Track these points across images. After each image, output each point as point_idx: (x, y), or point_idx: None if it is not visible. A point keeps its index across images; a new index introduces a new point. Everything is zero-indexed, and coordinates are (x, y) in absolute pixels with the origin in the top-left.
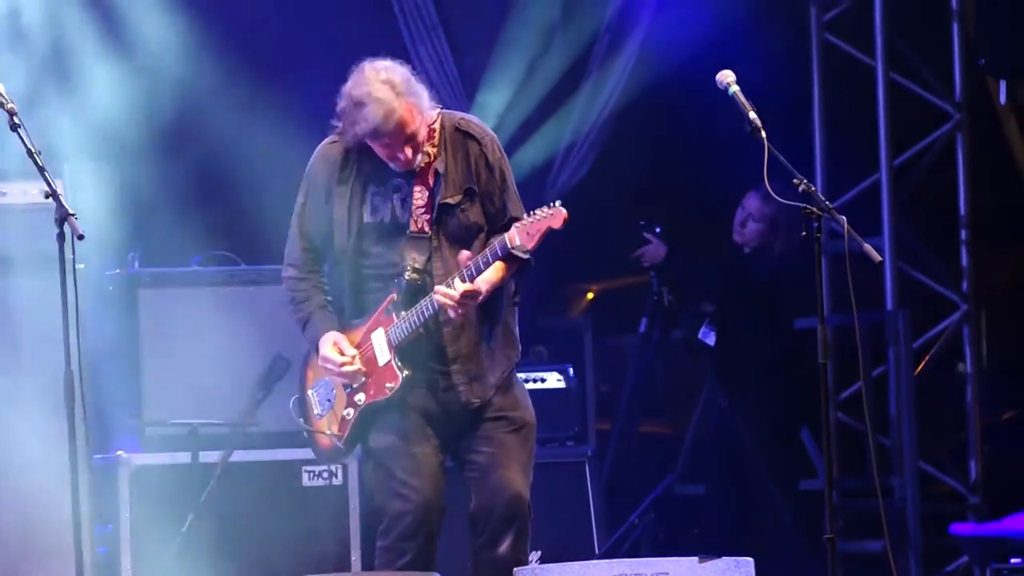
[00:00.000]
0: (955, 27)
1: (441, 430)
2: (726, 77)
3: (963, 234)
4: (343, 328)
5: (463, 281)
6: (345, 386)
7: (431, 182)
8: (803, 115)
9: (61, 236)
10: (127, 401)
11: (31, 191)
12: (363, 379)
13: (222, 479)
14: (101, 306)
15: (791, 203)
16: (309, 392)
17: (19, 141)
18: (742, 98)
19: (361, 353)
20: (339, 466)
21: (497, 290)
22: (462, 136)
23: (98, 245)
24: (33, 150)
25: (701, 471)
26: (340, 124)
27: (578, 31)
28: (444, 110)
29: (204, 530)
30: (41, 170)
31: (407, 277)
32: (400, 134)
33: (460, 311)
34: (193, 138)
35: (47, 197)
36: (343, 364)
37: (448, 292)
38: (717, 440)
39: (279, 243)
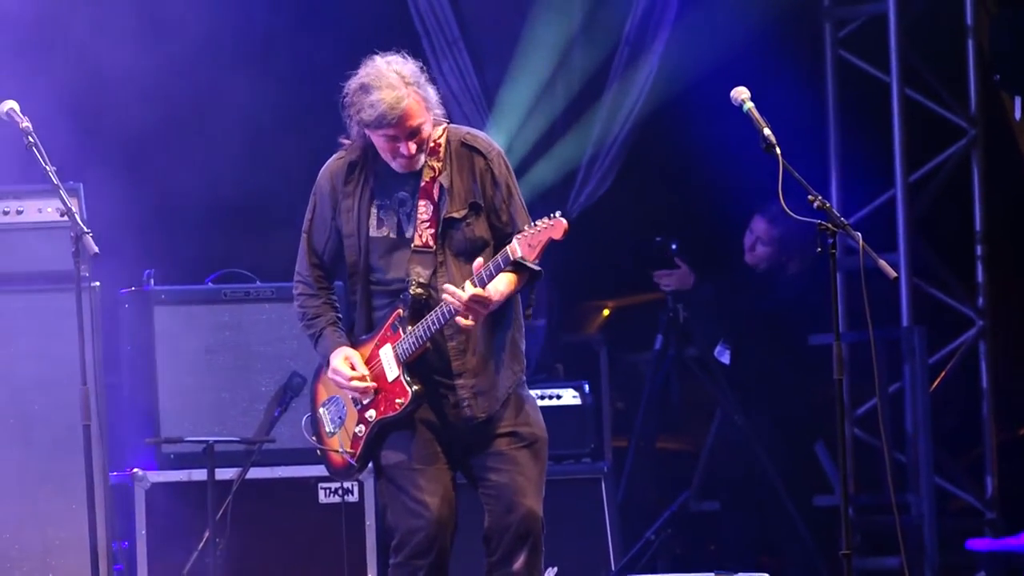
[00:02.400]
0: (970, 43)
1: (450, 446)
2: (740, 94)
3: (978, 250)
4: (353, 344)
5: (474, 285)
6: (355, 402)
7: (436, 196)
8: (818, 131)
9: (76, 254)
10: (143, 418)
11: (47, 209)
12: (373, 396)
13: (238, 496)
14: (117, 324)
15: (803, 219)
16: (320, 410)
17: (35, 159)
18: (756, 115)
19: (371, 369)
20: (355, 483)
21: (504, 305)
22: (468, 151)
23: (113, 263)
24: (48, 168)
25: (717, 487)
26: (347, 117)
27: (597, 44)
28: (451, 125)
29: (220, 547)
30: (56, 188)
31: (412, 292)
32: (405, 125)
33: (469, 315)
34: (209, 156)
35: (62, 215)
36: (352, 379)
37: (456, 292)
38: (733, 456)
39: (294, 261)
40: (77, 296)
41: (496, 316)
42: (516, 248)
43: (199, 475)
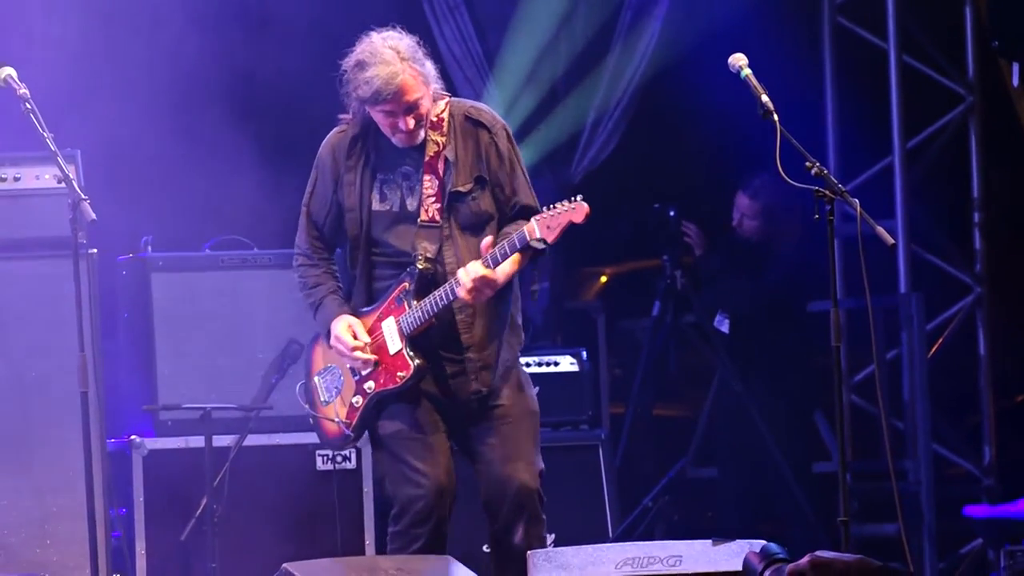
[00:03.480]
0: (967, 10)
1: (448, 417)
2: (738, 60)
3: (976, 216)
4: (354, 315)
5: (486, 266)
6: (354, 373)
7: (441, 170)
8: (816, 98)
9: (74, 220)
10: (141, 385)
11: (44, 176)
12: (373, 367)
13: (236, 463)
14: (114, 291)
15: (799, 185)
16: (316, 379)
17: (32, 126)
18: (754, 81)
19: (372, 341)
20: (352, 450)
21: (509, 282)
22: (472, 124)
23: (111, 230)
24: (46, 135)
25: (715, 454)
26: (345, 94)
27: (599, 9)
28: (453, 98)
29: (218, 514)
30: (54, 155)
31: (419, 266)
32: (401, 100)
33: (475, 296)
34: (206, 122)
35: (60, 182)
36: (354, 348)
37: (467, 275)
38: (731, 423)
39: (292, 228)
40: (75, 263)
41: (502, 290)
42: (535, 229)
43: (196, 442)
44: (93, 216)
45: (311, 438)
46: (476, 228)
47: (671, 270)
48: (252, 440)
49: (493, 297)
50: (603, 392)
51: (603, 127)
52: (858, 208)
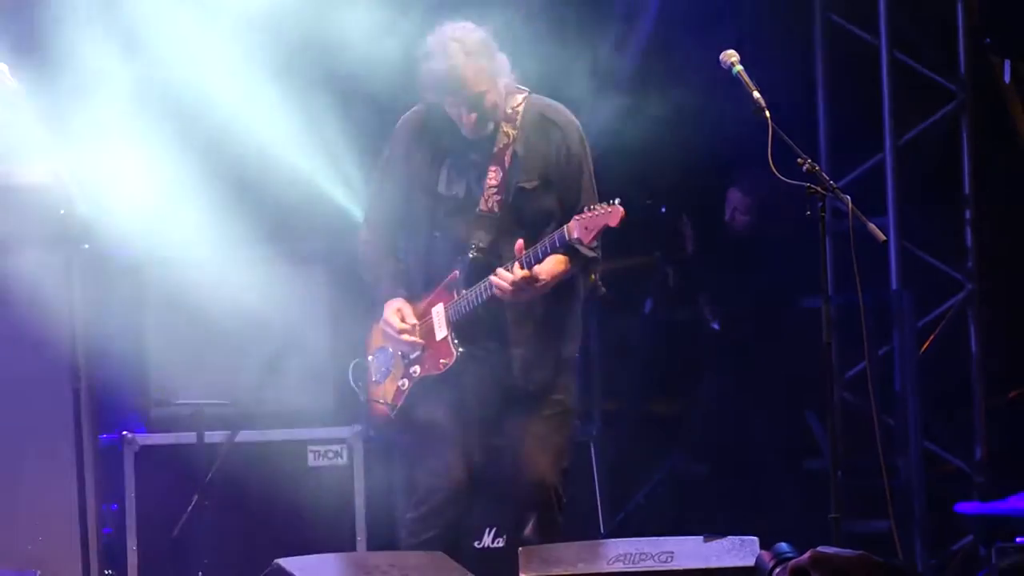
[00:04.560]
0: (959, 6)
1: (487, 409)
2: (730, 57)
3: (967, 213)
4: (410, 299)
5: (521, 268)
6: (403, 356)
7: (508, 164)
8: (807, 95)
9: (66, 216)
10: (133, 381)
11: (37, 170)
12: (420, 351)
13: (227, 459)
14: (107, 285)
15: (791, 182)
16: (370, 358)
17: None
18: (746, 78)
19: (422, 325)
20: (344, 446)
21: (567, 282)
22: (546, 122)
23: (104, 224)
24: (40, 129)
25: (706, 451)
26: (416, 81)
27: (588, 10)
28: (532, 95)
29: (209, 510)
30: (47, 149)
31: (471, 256)
32: (461, 93)
33: (514, 296)
34: (202, 115)
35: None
36: (402, 331)
37: (504, 275)
38: (723, 420)
39: (287, 223)
40: (67, 258)
41: (559, 291)
42: (573, 228)
43: (188, 438)
44: (86, 211)
45: (303, 434)
46: (536, 225)
47: (663, 266)
48: (244, 436)
49: (550, 297)
50: (595, 388)
51: (592, 122)
52: (850, 204)
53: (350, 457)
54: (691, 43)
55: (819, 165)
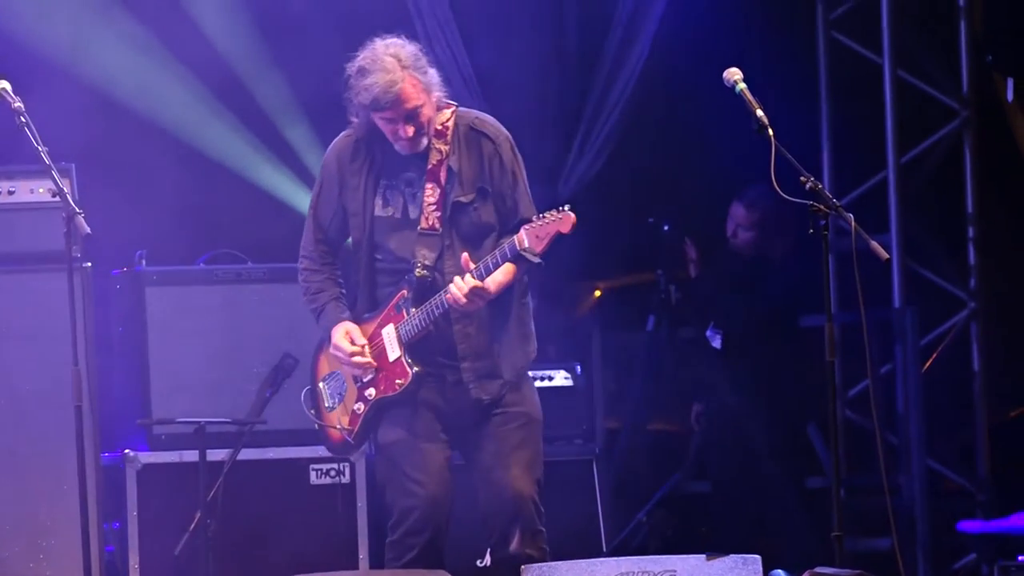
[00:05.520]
0: (962, 24)
1: (449, 426)
2: (733, 75)
3: (970, 231)
4: (356, 321)
5: (474, 278)
6: (356, 380)
7: (443, 179)
8: (811, 113)
9: (68, 234)
10: (134, 399)
11: (39, 189)
12: (373, 374)
13: (229, 477)
14: (108, 305)
15: (794, 200)
16: (320, 384)
17: (27, 139)
18: (749, 96)
19: (372, 347)
20: (346, 464)
21: (508, 288)
22: (476, 135)
23: (105, 243)
24: (41, 148)
25: (709, 469)
26: (348, 100)
27: (590, 25)
28: (460, 108)
29: (212, 528)
30: (48, 168)
31: (417, 274)
32: (400, 107)
33: (468, 306)
34: (201, 136)
35: (54, 196)
36: (353, 354)
37: (460, 285)
38: (725, 438)
39: (285, 241)
40: (69, 277)
41: (501, 299)
42: (524, 239)
43: (190, 456)
44: (88, 230)
45: (305, 452)
46: (477, 238)
47: (665, 284)
48: (246, 454)
49: (494, 307)
50: (598, 406)
51: (591, 144)
52: (852, 223)
53: (352, 475)
54: (694, 60)
55: (822, 183)
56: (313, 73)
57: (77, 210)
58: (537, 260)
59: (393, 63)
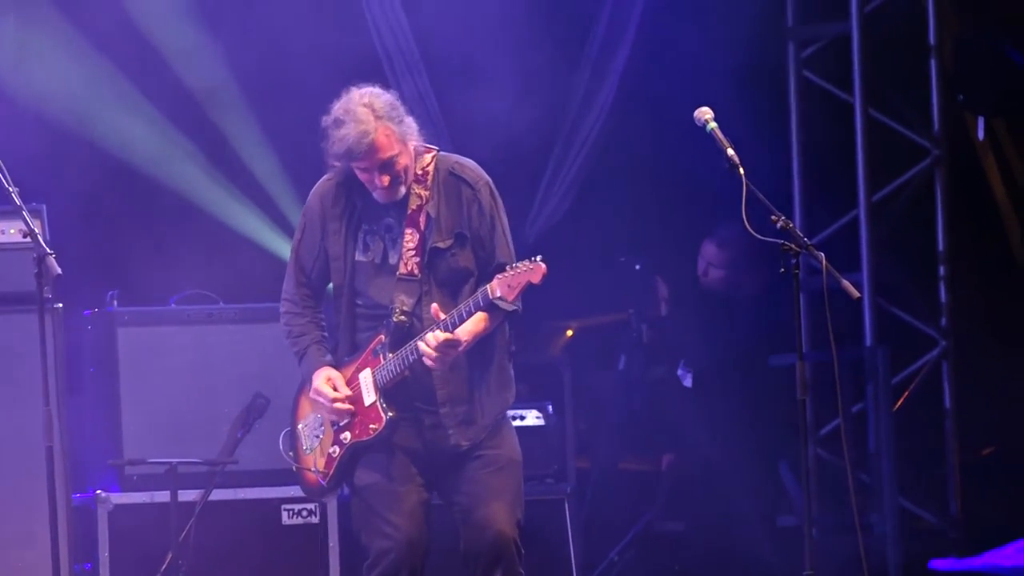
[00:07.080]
0: (933, 63)
1: (426, 469)
2: (704, 114)
3: (941, 270)
4: (336, 365)
5: (444, 331)
6: (333, 423)
7: (423, 225)
8: (782, 151)
9: (39, 275)
10: (106, 440)
11: (9, 230)
12: (349, 418)
13: (201, 518)
14: (80, 345)
15: (764, 239)
16: (300, 426)
17: None
18: (720, 135)
19: (350, 392)
20: (317, 505)
21: (490, 336)
22: (456, 180)
23: (76, 284)
24: (11, 189)
25: (681, 508)
26: (324, 150)
27: (558, 65)
28: (440, 153)
29: (183, 569)
30: (19, 209)
31: (395, 319)
32: (374, 157)
33: (439, 362)
34: (171, 178)
35: (25, 236)
36: (335, 400)
37: (429, 340)
38: (696, 477)
39: (258, 282)
40: (40, 317)
41: (482, 345)
42: (496, 288)
43: (162, 497)
44: (58, 271)
45: (277, 492)
46: (455, 284)
47: (637, 323)
48: (218, 495)
49: (474, 352)
50: (569, 446)
51: (559, 184)
52: (823, 261)
53: (323, 516)
54: (664, 99)
55: (793, 222)
56: (286, 110)
57: (48, 251)
58: (512, 307)
59: (367, 113)
